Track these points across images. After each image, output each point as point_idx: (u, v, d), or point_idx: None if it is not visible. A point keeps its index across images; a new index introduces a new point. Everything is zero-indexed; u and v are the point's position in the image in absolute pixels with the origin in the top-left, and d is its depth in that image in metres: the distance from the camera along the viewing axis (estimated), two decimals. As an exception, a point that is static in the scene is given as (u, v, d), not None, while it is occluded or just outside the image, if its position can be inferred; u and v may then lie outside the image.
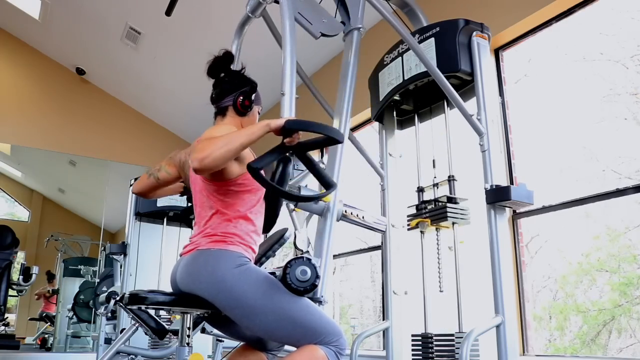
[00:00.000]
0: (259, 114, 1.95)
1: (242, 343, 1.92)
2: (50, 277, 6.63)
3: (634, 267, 2.77)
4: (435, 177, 2.71)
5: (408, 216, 2.75)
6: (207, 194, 1.78)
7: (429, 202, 2.65)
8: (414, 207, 2.72)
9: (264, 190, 1.81)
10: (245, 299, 1.63)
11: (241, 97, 1.85)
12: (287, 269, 1.67)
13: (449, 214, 2.47)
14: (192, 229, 4.31)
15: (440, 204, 2.58)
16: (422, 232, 2.65)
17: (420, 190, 2.77)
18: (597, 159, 2.95)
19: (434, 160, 2.76)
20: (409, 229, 2.72)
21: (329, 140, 1.66)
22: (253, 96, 1.88)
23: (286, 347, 1.84)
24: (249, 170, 1.58)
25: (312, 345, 1.62)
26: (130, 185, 4.40)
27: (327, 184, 1.70)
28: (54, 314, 6.49)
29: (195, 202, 1.86)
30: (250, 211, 1.78)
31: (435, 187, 2.71)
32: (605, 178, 2.85)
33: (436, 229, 2.59)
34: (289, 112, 1.98)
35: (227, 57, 1.87)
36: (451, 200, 2.55)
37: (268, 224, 1.89)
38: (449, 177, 2.62)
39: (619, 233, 2.85)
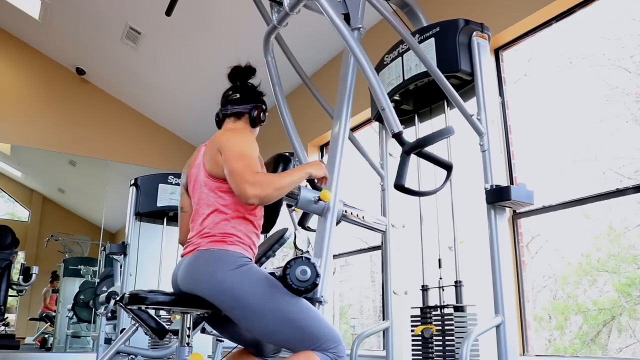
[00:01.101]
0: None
1: (239, 346, 1.93)
2: (55, 277, 6.64)
3: (634, 267, 2.77)
4: (441, 279, 2.55)
5: (412, 318, 2.62)
6: (209, 190, 1.79)
7: (434, 307, 2.53)
8: (418, 308, 2.60)
9: None
10: (245, 300, 1.63)
11: (260, 111, 1.97)
12: (287, 269, 1.67)
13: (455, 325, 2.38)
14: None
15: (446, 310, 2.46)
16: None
17: (425, 289, 2.63)
18: (597, 159, 2.95)
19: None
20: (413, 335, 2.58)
21: (442, 137, 1.93)
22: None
23: (282, 352, 1.85)
24: (398, 189, 1.89)
25: (308, 352, 1.61)
26: (131, 185, 4.40)
27: (447, 166, 1.93)
28: (53, 314, 6.49)
29: (193, 199, 1.87)
30: (250, 213, 1.79)
31: (442, 290, 2.56)
32: (606, 179, 2.85)
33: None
34: (396, 126, 1.98)
35: (251, 70, 2.01)
36: (458, 309, 2.42)
37: (268, 224, 1.90)
38: (455, 282, 2.46)
39: (619, 233, 2.85)
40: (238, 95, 1.97)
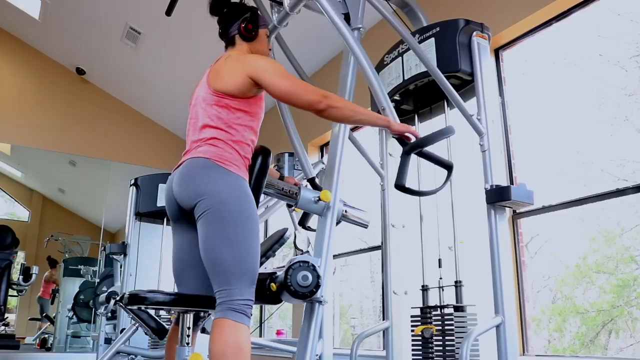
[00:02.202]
0: (267, 36, 2.04)
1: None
2: (52, 262, 6.62)
3: (632, 267, 2.77)
4: (441, 279, 2.55)
5: (412, 318, 2.62)
6: (206, 105, 1.82)
7: (434, 307, 2.53)
8: (418, 308, 2.60)
9: (260, 120, 1.89)
10: (223, 207, 1.66)
11: (243, 24, 1.95)
12: (289, 272, 1.67)
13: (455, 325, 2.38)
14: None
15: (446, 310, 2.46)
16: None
17: (425, 289, 2.63)
18: (594, 160, 2.96)
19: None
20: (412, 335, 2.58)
21: (443, 137, 1.95)
22: (256, 20, 1.98)
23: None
24: (398, 189, 1.90)
25: (220, 321, 1.61)
26: (131, 185, 4.40)
27: (447, 166, 1.94)
28: (53, 313, 6.48)
29: (190, 115, 1.90)
30: (244, 138, 1.81)
31: (442, 290, 2.55)
32: (603, 180, 2.85)
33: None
34: (393, 118, 2.05)
35: None
36: (458, 309, 2.42)
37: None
38: (455, 282, 2.45)
39: (615, 234, 2.86)
40: (222, 25, 2.00)
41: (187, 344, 1.77)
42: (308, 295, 1.67)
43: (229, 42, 2.00)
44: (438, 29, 2.55)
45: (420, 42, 2.58)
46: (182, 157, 1.84)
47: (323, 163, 2.72)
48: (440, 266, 2.57)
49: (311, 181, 2.30)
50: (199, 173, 1.72)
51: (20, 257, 6.25)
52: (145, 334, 2.00)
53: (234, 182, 1.71)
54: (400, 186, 1.91)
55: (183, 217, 1.81)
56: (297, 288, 1.65)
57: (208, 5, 2.01)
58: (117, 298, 1.87)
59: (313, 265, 1.70)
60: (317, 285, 1.68)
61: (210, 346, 1.60)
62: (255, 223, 1.71)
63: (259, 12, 2.02)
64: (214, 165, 1.72)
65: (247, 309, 1.63)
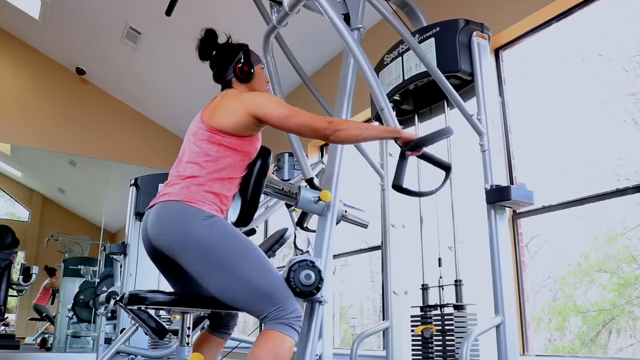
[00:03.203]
0: (262, 69, 2.00)
1: (204, 330, 1.94)
2: (50, 271, 6.61)
3: (633, 267, 2.77)
4: (441, 278, 2.55)
5: (412, 317, 2.62)
6: (196, 139, 1.78)
7: (434, 306, 2.53)
8: (418, 307, 2.60)
9: (252, 159, 1.84)
10: (210, 253, 1.61)
11: (239, 66, 1.89)
12: (292, 271, 1.67)
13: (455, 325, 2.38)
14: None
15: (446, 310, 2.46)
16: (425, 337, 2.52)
17: (425, 288, 2.63)
18: (594, 160, 2.96)
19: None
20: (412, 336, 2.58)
21: (441, 137, 1.93)
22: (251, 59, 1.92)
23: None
24: (396, 189, 1.90)
25: (268, 332, 1.59)
26: (131, 185, 4.40)
27: (445, 167, 1.94)
28: (53, 313, 6.48)
29: (181, 148, 1.86)
30: (230, 178, 1.77)
31: (442, 289, 2.55)
32: (604, 180, 2.85)
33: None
34: (393, 124, 2.04)
35: (210, 35, 1.93)
36: (458, 307, 2.42)
37: (247, 215, 1.88)
38: (455, 281, 2.45)
39: (617, 233, 2.85)
40: (216, 70, 1.94)
41: (187, 344, 1.77)
42: (311, 294, 1.67)
43: (226, 86, 1.94)
44: (438, 29, 2.55)
45: (420, 42, 2.58)
46: (160, 191, 1.80)
47: (323, 163, 2.72)
48: (440, 265, 2.57)
49: (309, 181, 2.30)
50: (172, 219, 1.66)
51: (20, 257, 6.25)
52: (145, 334, 2.00)
53: (209, 223, 1.65)
54: (397, 186, 1.90)
55: (160, 256, 1.78)
56: (300, 287, 1.65)
57: (196, 50, 1.93)
58: (117, 298, 1.86)
59: (317, 266, 1.70)
60: (320, 284, 1.68)
61: (251, 350, 1.59)
62: (248, 243, 1.67)
63: (249, 48, 1.96)
64: (185, 208, 1.66)
65: (296, 322, 1.62)
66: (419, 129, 2.90)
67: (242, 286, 1.60)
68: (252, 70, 1.91)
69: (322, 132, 1.73)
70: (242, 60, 1.89)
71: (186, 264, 1.65)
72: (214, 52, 1.93)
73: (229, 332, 1.94)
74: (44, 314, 6.60)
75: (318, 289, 1.68)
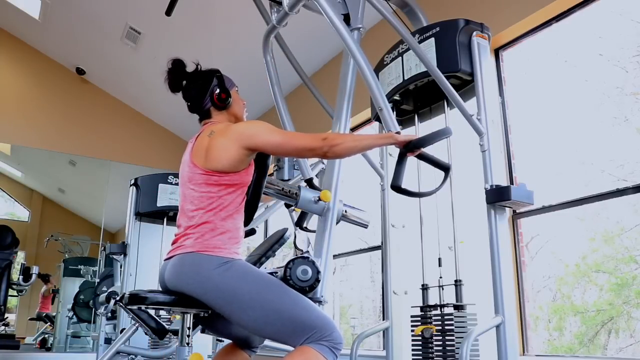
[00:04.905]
0: (237, 93, 1.94)
1: (229, 342, 1.93)
2: (45, 278, 6.59)
3: (631, 267, 2.77)
4: (441, 278, 2.55)
5: (412, 317, 2.62)
6: (193, 185, 1.76)
7: (434, 306, 2.54)
8: (418, 307, 2.60)
9: (245, 190, 1.81)
10: (233, 296, 1.61)
11: (215, 94, 1.84)
12: (288, 268, 1.67)
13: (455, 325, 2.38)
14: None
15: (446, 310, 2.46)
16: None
17: (425, 288, 2.63)
18: (594, 160, 2.96)
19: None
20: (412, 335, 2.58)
21: (440, 138, 1.94)
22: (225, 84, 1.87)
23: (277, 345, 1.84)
24: (394, 189, 1.89)
25: (304, 347, 1.58)
26: (131, 185, 4.40)
27: (444, 168, 1.94)
28: (53, 314, 6.49)
29: (180, 196, 1.85)
30: (237, 210, 1.77)
31: (442, 289, 2.56)
32: (603, 180, 2.85)
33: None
34: (393, 126, 2.05)
35: (178, 65, 1.87)
36: (458, 307, 2.42)
37: (247, 215, 1.88)
38: (455, 281, 2.46)
39: (615, 234, 2.86)
40: (190, 101, 1.88)
41: (187, 344, 1.77)
42: (308, 289, 1.67)
43: (205, 115, 1.88)
44: (438, 29, 2.55)
45: (420, 42, 2.58)
46: (174, 243, 1.79)
47: (323, 163, 2.71)
48: (440, 265, 2.58)
49: (309, 181, 2.30)
50: (189, 271, 1.67)
51: (20, 257, 6.25)
52: (145, 334, 2.00)
53: (226, 268, 1.65)
54: (396, 187, 1.90)
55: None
56: (297, 282, 1.65)
57: (166, 84, 1.86)
58: (117, 298, 1.86)
59: (312, 260, 1.70)
60: (317, 280, 1.68)
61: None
62: (269, 278, 1.67)
63: (221, 73, 1.90)
64: (202, 258, 1.67)
65: (334, 346, 1.60)
66: (419, 129, 2.90)
67: (273, 319, 1.61)
68: (229, 95, 1.86)
69: (319, 150, 1.72)
70: (217, 88, 1.85)
71: (214, 307, 1.67)
72: (184, 82, 1.87)
73: (254, 351, 1.94)
74: (44, 314, 6.60)
75: (315, 286, 1.68)
